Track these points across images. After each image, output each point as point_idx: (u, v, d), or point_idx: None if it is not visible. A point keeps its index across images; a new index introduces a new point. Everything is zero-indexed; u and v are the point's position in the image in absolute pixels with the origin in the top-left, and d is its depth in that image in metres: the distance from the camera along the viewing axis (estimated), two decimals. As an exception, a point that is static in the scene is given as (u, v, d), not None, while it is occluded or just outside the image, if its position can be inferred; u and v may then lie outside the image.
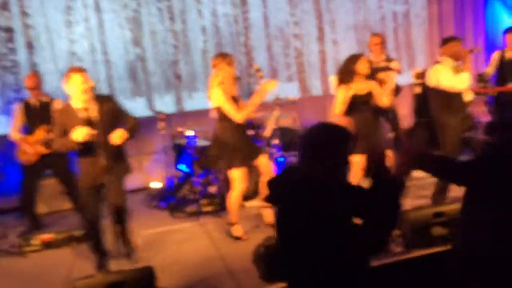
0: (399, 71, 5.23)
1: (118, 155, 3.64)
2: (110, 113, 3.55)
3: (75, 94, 3.45)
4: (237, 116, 4.02)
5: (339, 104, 4.26)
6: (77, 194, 4.78)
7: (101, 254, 3.75)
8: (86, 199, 3.63)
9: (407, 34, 7.61)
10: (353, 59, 4.26)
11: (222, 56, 4.25)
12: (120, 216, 3.78)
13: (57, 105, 4.70)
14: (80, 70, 3.51)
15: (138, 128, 3.69)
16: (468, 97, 4.67)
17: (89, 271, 3.67)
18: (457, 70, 4.41)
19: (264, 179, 4.28)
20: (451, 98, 4.43)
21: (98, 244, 3.73)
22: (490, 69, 5.89)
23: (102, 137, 3.43)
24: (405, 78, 6.42)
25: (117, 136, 3.46)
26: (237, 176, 4.13)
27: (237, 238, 4.23)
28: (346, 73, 4.24)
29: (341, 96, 4.24)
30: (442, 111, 4.48)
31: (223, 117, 4.12)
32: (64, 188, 4.87)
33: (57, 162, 4.73)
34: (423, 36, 7.66)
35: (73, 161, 4.87)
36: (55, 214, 5.37)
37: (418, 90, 6.52)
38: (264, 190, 4.30)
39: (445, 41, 4.61)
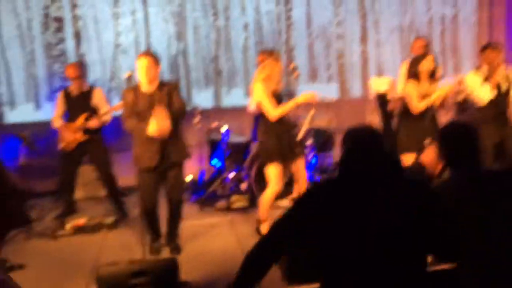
0: (439, 78, 5.08)
1: (175, 140, 3.76)
2: (168, 98, 3.71)
3: (141, 78, 3.67)
4: (272, 113, 4.02)
5: (415, 98, 4.21)
6: (112, 181, 4.96)
7: (155, 237, 4.00)
8: (143, 182, 3.78)
9: (454, 38, 7.35)
10: (418, 59, 4.30)
11: (269, 52, 4.28)
12: (176, 209, 4.00)
13: (98, 92, 4.87)
14: (148, 54, 3.74)
15: (182, 113, 3.81)
16: None
17: (116, 258, 3.78)
18: (486, 80, 4.29)
19: (298, 184, 4.26)
20: (484, 107, 4.29)
21: (154, 226, 3.97)
22: None
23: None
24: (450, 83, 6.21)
25: (159, 129, 3.58)
26: (274, 173, 4.12)
27: None
28: (413, 73, 4.26)
29: (413, 93, 4.22)
30: (476, 119, 4.34)
31: (263, 113, 4.15)
32: (100, 175, 5.01)
33: (95, 149, 4.87)
34: (471, 41, 7.38)
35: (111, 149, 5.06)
36: (91, 200, 5.55)
37: (460, 97, 6.31)
38: (298, 193, 4.28)
39: (482, 48, 4.49)
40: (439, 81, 5.05)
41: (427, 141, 4.31)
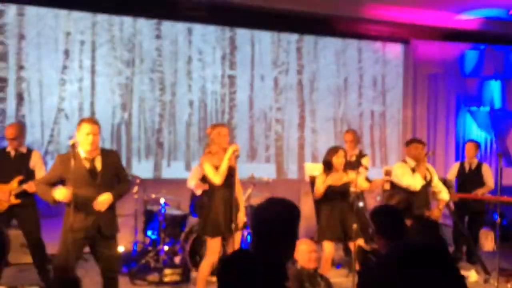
0: (367, 167, 5.53)
1: (109, 214, 3.67)
2: (113, 168, 3.70)
3: (82, 144, 3.58)
4: (215, 178, 4.13)
5: (317, 187, 4.55)
6: (41, 248, 4.74)
7: None
8: (65, 251, 3.54)
9: (382, 133, 8.04)
10: (331, 152, 4.59)
11: (214, 125, 4.41)
12: (112, 285, 3.78)
13: (35, 155, 4.79)
14: (92, 121, 3.70)
15: (127, 192, 3.85)
16: (445, 196, 4.96)
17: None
18: (413, 170, 4.79)
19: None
20: (412, 196, 4.74)
21: None
22: (449, 177, 6.23)
23: (102, 190, 3.56)
24: (377, 175, 6.70)
25: (102, 202, 3.55)
26: (211, 245, 4.18)
27: None
28: (326, 163, 4.57)
29: (319, 180, 4.55)
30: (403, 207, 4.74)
31: (208, 184, 4.29)
32: (28, 241, 4.80)
33: (25, 214, 4.70)
34: (397, 136, 8.09)
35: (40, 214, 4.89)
36: (14, 267, 5.23)
37: (387, 186, 6.80)
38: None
39: (408, 143, 5.05)
40: (366, 170, 5.51)
41: (355, 225, 4.63)
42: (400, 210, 3.16)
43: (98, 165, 3.62)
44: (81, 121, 3.68)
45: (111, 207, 3.70)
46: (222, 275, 1.94)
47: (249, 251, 2.03)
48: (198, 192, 5.82)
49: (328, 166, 4.58)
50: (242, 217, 4.34)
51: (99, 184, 3.59)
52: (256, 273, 1.82)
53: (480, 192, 5.94)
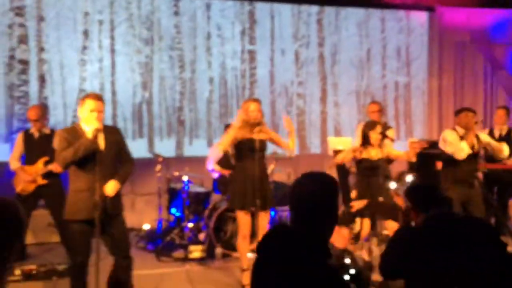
0: (393, 139, 5.37)
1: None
2: (115, 146, 3.54)
3: (86, 119, 3.39)
4: (219, 145, 4.20)
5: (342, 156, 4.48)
6: (66, 227, 4.81)
7: None
8: (75, 235, 3.47)
9: (407, 104, 7.84)
10: (369, 125, 4.52)
11: (244, 101, 4.35)
12: (126, 265, 3.61)
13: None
14: (97, 97, 3.47)
15: (132, 173, 3.68)
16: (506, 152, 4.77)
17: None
18: (462, 138, 4.58)
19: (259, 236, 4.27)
20: (457, 167, 4.56)
21: (81, 283, 3.52)
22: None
23: (104, 168, 3.41)
24: (402, 147, 6.55)
25: (111, 188, 3.44)
26: (239, 220, 4.19)
27: (243, 287, 4.18)
28: (363, 136, 4.48)
29: (347, 153, 4.49)
30: (447, 178, 4.62)
31: (235, 156, 4.28)
32: (55, 220, 4.87)
33: (52, 194, 4.75)
34: (422, 107, 7.88)
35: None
36: (42, 246, 5.35)
37: (413, 159, 6.65)
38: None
39: (457, 112, 4.83)
40: (392, 142, 5.37)
41: (381, 198, 4.54)
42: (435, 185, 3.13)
43: (101, 142, 3.44)
44: (85, 96, 3.47)
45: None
46: (262, 250, 1.86)
47: (289, 226, 1.91)
48: (215, 175, 5.77)
49: (365, 140, 4.47)
50: (270, 197, 4.31)
51: (102, 165, 3.38)
52: (298, 250, 1.74)
53: (510, 162, 5.75)
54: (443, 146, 4.67)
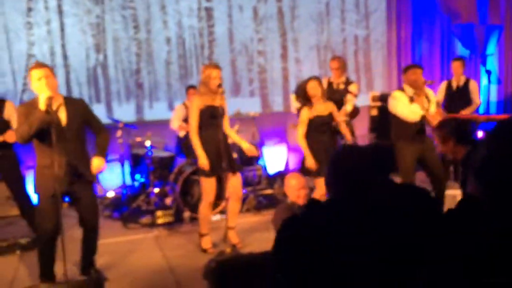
0: (356, 94, 5.37)
1: (83, 162, 3.44)
2: (80, 118, 3.38)
3: (38, 90, 3.20)
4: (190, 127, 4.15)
5: (300, 125, 4.36)
6: (26, 199, 4.64)
7: (49, 264, 3.50)
8: (44, 208, 3.36)
9: (366, 57, 7.85)
10: (303, 82, 4.44)
11: (206, 66, 4.19)
12: (91, 234, 3.63)
13: (9, 105, 4.56)
14: (39, 64, 3.32)
15: (109, 143, 3.59)
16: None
17: (32, 281, 3.55)
18: (412, 100, 4.46)
19: (229, 200, 4.24)
20: (407, 126, 4.51)
21: (50, 255, 3.47)
22: (439, 97, 6.05)
23: (67, 142, 3.28)
24: (363, 100, 6.60)
25: (97, 166, 3.42)
26: (204, 186, 4.14)
27: (204, 251, 4.19)
28: (301, 96, 4.41)
29: (303, 117, 4.37)
30: (399, 137, 4.59)
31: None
32: (12, 193, 4.68)
33: (7, 166, 4.55)
34: (382, 60, 7.92)
35: (23, 165, 4.75)
36: (2, 220, 5.17)
37: (374, 112, 6.73)
38: (226, 207, 4.28)
39: (405, 69, 4.62)
40: (355, 97, 5.37)
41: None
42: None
43: (62, 115, 3.30)
44: (29, 69, 3.31)
45: (85, 153, 3.47)
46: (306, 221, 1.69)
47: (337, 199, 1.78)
48: (181, 133, 5.70)
49: (305, 98, 4.40)
50: (251, 150, 4.32)
51: (65, 138, 3.27)
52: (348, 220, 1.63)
53: (466, 112, 5.89)
54: (394, 109, 4.57)
